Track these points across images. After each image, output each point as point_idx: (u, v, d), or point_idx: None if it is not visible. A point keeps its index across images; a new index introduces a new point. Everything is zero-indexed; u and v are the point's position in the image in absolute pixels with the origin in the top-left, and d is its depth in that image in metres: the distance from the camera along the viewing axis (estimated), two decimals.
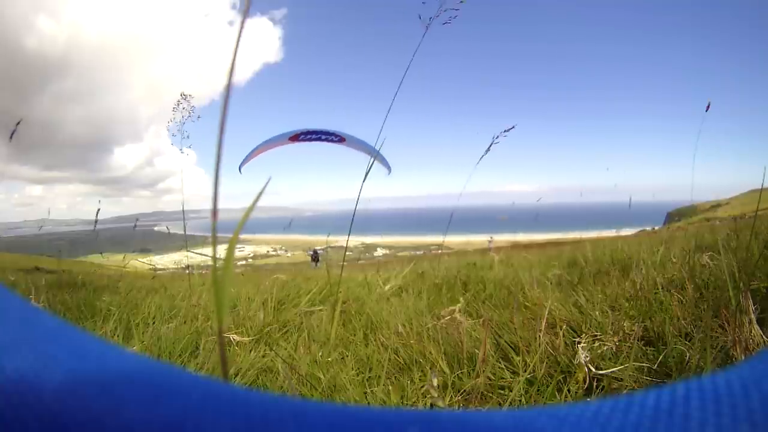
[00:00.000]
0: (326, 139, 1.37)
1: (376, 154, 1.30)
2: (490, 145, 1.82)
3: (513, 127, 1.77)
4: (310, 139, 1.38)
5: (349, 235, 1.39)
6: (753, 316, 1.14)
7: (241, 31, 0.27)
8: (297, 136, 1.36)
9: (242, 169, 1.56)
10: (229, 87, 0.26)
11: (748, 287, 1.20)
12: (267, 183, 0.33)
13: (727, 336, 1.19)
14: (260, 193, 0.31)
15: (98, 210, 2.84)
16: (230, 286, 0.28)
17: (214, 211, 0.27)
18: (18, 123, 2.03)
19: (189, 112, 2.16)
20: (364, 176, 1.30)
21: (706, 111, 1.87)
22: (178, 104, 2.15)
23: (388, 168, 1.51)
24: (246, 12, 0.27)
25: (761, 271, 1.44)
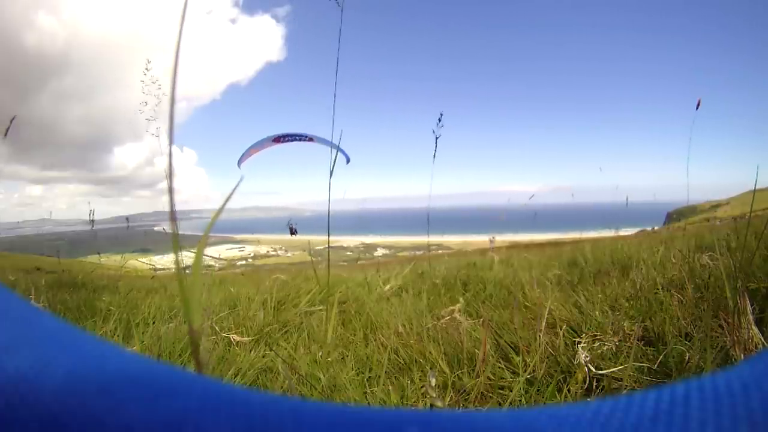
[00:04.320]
0: (299, 139, 1.58)
1: (336, 148, 1.50)
2: (436, 140, 1.85)
3: (441, 114, 1.82)
4: (287, 140, 1.58)
5: (329, 235, 1.51)
6: (751, 317, 1.14)
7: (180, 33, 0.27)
8: (279, 139, 1.57)
9: (241, 166, 1.68)
10: (172, 102, 0.26)
11: (745, 288, 1.20)
12: (237, 184, 0.34)
13: (727, 336, 1.19)
14: (229, 196, 0.31)
15: (92, 211, 2.84)
16: (200, 288, 0.28)
17: (172, 216, 0.27)
18: (12, 120, 2.00)
19: (157, 91, 2.00)
20: (330, 173, 1.49)
21: (697, 109, 1.88)
22: (144, 76, 1.93)
23: (347, 158, 1.66)
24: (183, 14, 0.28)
25: (761, 271, 1.44)
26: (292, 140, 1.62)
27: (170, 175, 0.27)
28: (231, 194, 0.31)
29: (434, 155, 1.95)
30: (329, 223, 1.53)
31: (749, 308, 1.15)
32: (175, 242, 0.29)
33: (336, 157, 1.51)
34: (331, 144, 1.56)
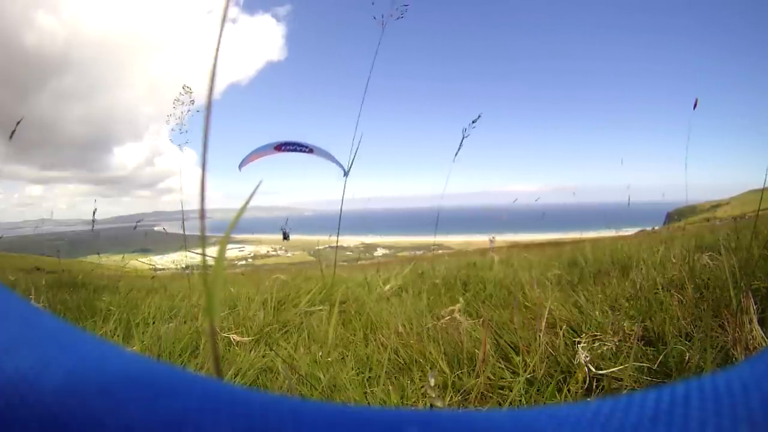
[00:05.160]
0: (300, 150, 1.62)
1: (334, 161, 1.60)
2: (462, 139, 1.84)
3: (479, 116, 1.82)
4: (288, 150, 1.63)
5: (338, 235, 1.53)
6: (754, 316, 1.14)
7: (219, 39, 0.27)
8: (280, 147, 1.61)
9: (242, 169, 1.70)
10: (210, 97, 0.26)
11: (749, 287, 1.20)
12: (258, 186, 0.33)
13: (727, 336, 1.19)
14: (251, 195, 0.31)
15: (95, 210, 2.84)
16: (221, 287, 0.28)
17: (202, 213, 0.27)
18: (18, 122, 2.02)
19: (189, 106, 2.15)
20: (345, 174, 1.57)
21: (694, 109, 1.88)
22: (179, 99, 2.13)
23: (345, 171, 1.70)
24: (224, 16, 0.27)
25: (761, 271, 1.44)
26: (293, 150, 1.65)
27: (203, 180, 0.27)
28: (252, 195, 0.31)
29: (456, 152, 1.93)
30: (339, 223, 1.55)
31: (753, 307, 1.14)
32: (203, 242, 0.29)
33: (352, 161, 1.54)
34: (329, 156, 1.60)
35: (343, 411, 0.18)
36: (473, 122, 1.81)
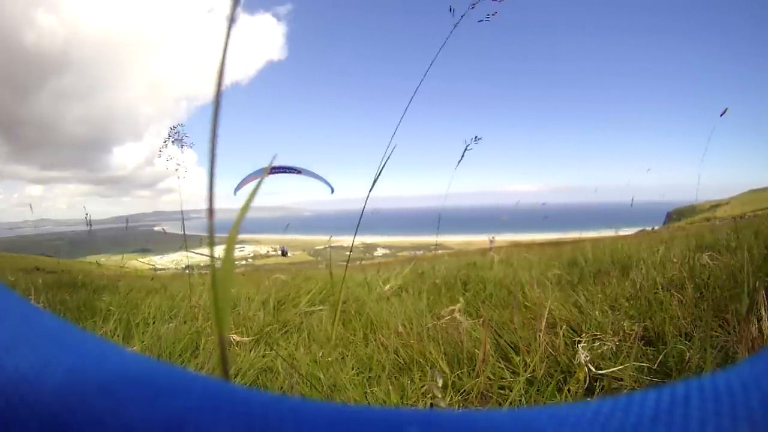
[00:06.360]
0: (289, 172, 1.69)
1: (322, 180, 1.67)
2: (464, 153, 1.85)
3: (480, 138, 1.83)
4: (279, 172, 1.70)
5: (354, 236, 1.55)
6: (764, 313, 1.13)
7: (228, 34, 0.26)
8: (271, 170, 1.68)
9: (236, 193, 1.78)
10: (219, 90, 0.26)
11: (764, 284, 1.19)
12: (260, 182, 0.32)
13: (728, 336, 1.19)
14: (254, 192, 0.30)
15: (88, 213, 2.86)
16: (230, 286, 0.28)
17: (210, 211, 0.27)
18: None
19: (179, 136, 2.17)
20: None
21: (721, 116, 1.86)
22: (170, 133, 2.16)
23: (331, 188, 1.77)
24: (231, 16, 0.27)
25: (761, 271, 1.44)
26: (282, 172, 1.71)
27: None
28: (253, 194, 0.31)
29: (458, 162, 1.96)
30: (359, 224, 1.56)
31: (765, 301, 1.13)
32: (211, 242, 0.28)
33: (381, 169, 1.56)
34: (316, 176, 1.66)
35: (343, 411, 0.18)
36: (475, 139, 1.82)
